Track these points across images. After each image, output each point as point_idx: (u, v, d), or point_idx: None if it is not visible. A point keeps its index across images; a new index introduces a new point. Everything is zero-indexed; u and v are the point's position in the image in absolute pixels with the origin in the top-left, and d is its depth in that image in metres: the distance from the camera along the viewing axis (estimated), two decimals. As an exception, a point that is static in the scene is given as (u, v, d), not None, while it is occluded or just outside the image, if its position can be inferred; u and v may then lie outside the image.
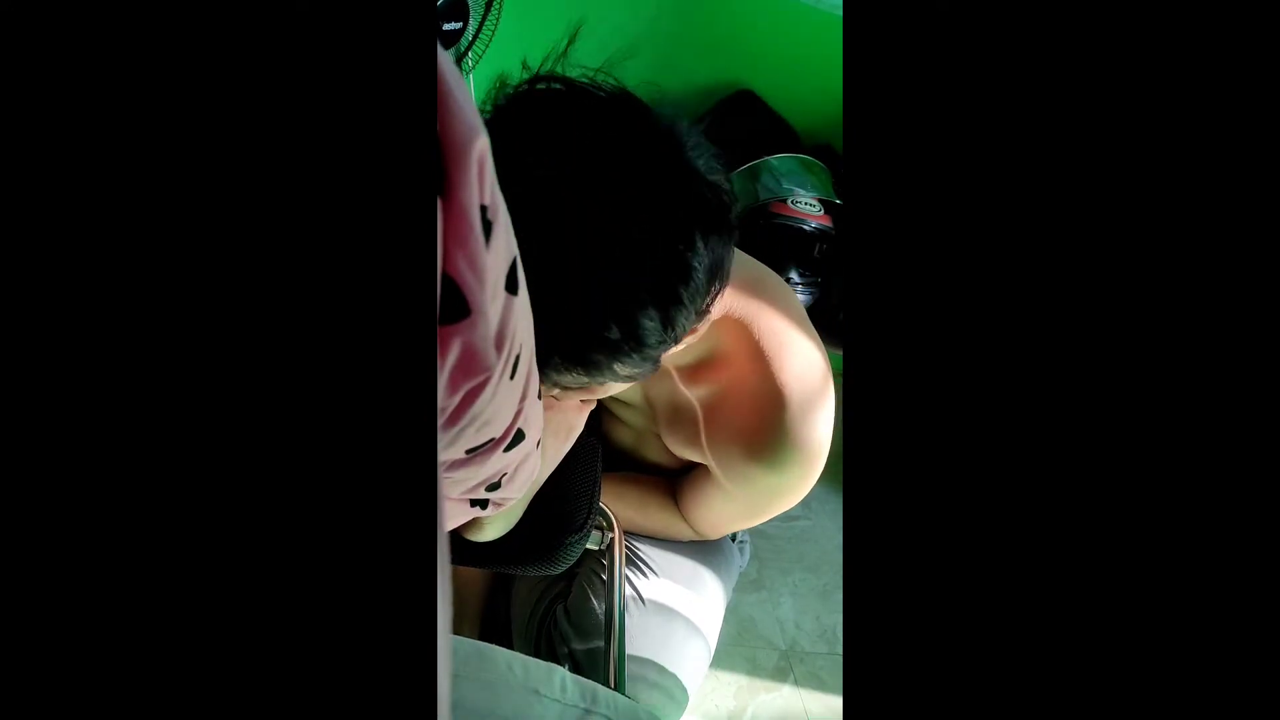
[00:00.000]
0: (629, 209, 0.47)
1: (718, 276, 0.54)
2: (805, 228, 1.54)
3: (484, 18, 1.16)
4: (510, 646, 0.87)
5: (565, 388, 0.60)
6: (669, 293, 0.50)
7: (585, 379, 0.54)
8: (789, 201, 1.53)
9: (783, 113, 1.71)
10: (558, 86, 0.51)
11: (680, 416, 0.80)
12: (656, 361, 0.56)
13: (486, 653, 0.68)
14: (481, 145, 0.25)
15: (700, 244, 0.50)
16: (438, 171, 0.23)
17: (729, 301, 0.70)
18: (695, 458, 0.83)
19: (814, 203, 1.54)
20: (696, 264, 0.50)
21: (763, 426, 0.72)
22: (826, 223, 1.55)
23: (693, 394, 0.76)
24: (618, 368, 0.53)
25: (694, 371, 0.74)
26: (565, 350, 0.51)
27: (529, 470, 0.47)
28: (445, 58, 0.24)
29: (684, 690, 0.90)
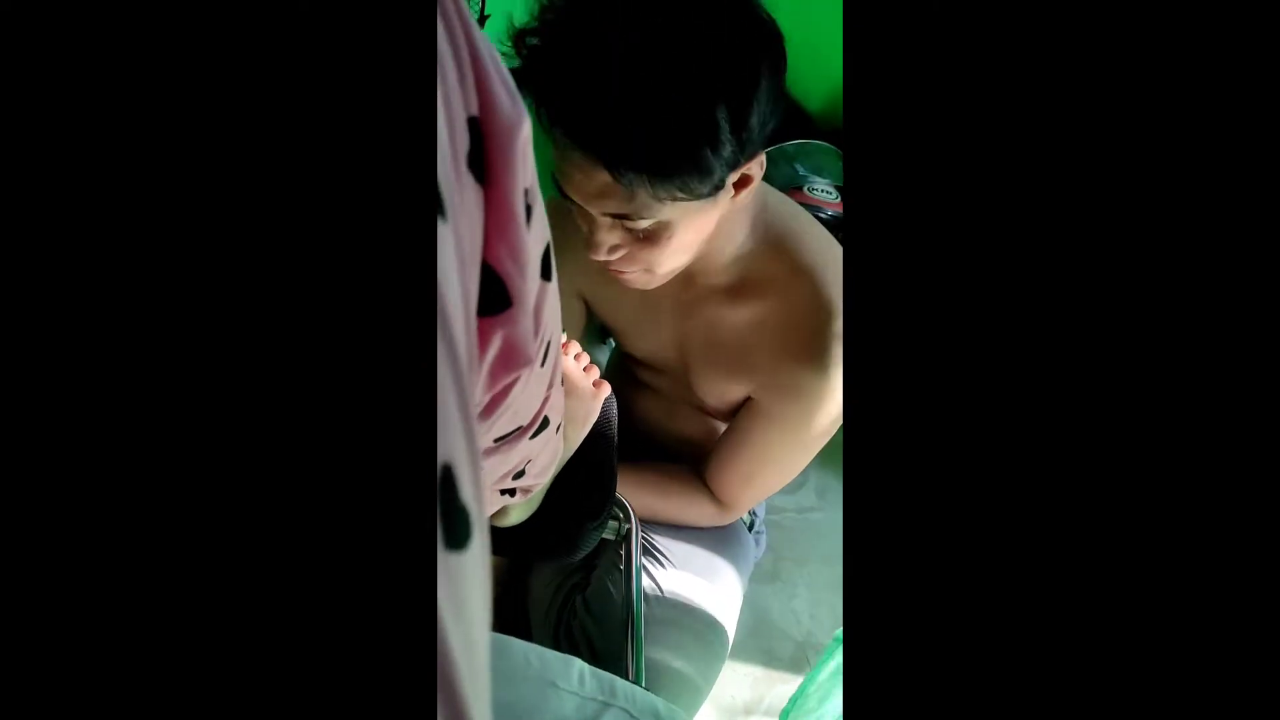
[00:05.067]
0: (717, 28, 0.60)
1: (774, 109, 0.64)
2: (821, 215, 1.52)
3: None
4: (525, 637, 0.87)
5: (611, 216, 0.66)
6: (740, 93, 0.61)
7: (650, 190, 0.62)
8: (805, 189, 1.52)
9: (798, 98, 1.69)
10: None
11: (721, 347, 0.85)
12: (719, 184, 0.64)
13: (504, 644, 0.68)
14: (525, 131, 0.25)
15: (765, 68, 0.62)
16: (480, 159, 0.23)
17: (768, 226, 0.79)
18: (739, 387, 0.87)
19: (830, 190, 1.53)
20: (764, 78, 0.61)
21: (813, 332, 0.78)
22: (842, 210, 1.54)
23: (737, 314, 0.82)
24: (686, 179, 0.62)
25: (738, 291, 0.82)
26: (640, 143, 0.60)
27: (551, 456, 0.46)
28: (488, 45, 0.23)
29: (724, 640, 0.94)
